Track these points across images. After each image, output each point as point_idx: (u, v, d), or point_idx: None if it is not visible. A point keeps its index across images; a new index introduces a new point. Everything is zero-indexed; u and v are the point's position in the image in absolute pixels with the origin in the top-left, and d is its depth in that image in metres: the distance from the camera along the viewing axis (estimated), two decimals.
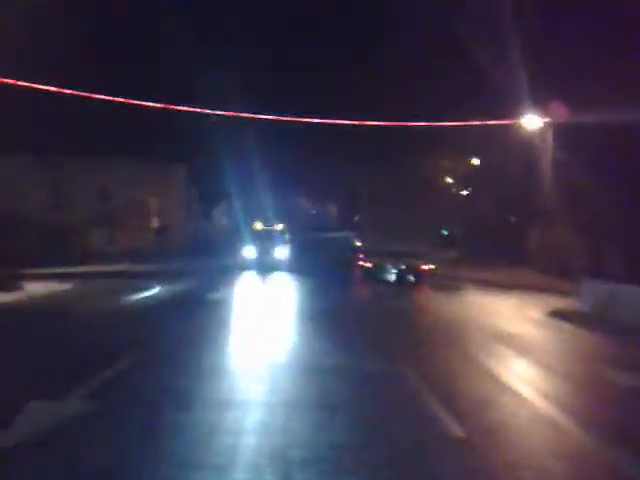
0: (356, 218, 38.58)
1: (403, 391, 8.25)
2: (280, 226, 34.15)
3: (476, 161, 41.49)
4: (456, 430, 6.53)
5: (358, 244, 28.79)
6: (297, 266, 30.91)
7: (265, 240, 31.41)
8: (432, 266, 24.74)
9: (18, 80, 20.81)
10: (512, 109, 27.12)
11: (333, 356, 10.22)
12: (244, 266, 30.20)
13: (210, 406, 7.31)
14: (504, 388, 8.59)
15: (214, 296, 19.59)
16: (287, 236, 33.45)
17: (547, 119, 27.40)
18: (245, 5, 65.44)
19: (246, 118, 25.58)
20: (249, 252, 31.07)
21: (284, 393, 8.02)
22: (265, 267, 29.65)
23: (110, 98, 22.65)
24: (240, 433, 6.31)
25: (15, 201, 43.41)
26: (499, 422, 6.99)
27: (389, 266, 25.12)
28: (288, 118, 26.90)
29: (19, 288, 19.75)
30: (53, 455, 5.61)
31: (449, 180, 42.35)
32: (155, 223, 46.64)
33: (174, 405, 7.22)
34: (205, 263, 35.64)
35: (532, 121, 27.47)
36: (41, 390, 7.66)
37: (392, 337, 13.08)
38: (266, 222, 35.41)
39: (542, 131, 28.09)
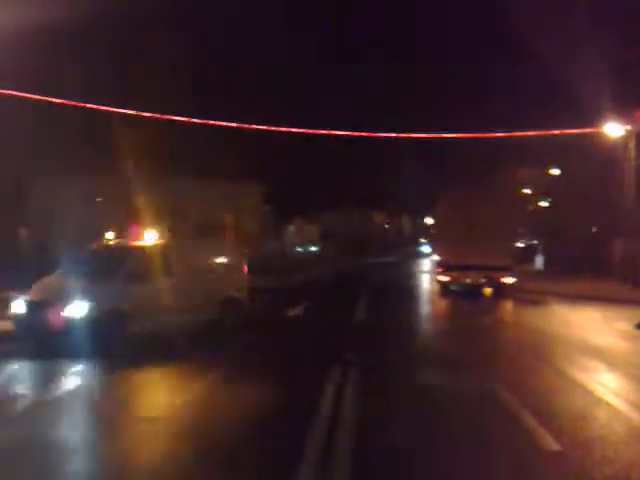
0: (432, 231, 38.46)
1: (496, 406, 8.29)
2: (155, 240, 15.37)
3: (555, 171, 40.66)
4: (552, 444, 6.56)
5: (435, 258, 28.56)
6: None
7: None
8: (513, 279, 24.34)
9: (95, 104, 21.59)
10: (593, 117, 26.59)
11: (423, 374, 10.35)
12: None
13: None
14: (597, 401, 8.51)
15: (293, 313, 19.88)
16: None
17: (629, 127, 26.74)
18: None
19: (320, 134, 25.74)
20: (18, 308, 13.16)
21: (378, 411, 8.15)
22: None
23: (185, 119, 23.23)
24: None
25: (99, 221, 45.03)
26: (594, 435, 6.96)
27: (469, 280, 24.77)
28: (363, 133, 27.04)
29: None
30: None
31: (527, 191, 41.68)
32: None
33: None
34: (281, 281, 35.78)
35: (614, 129, 26.84)
36: None
37: (479, 353, 13.10)
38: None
39: (624, 139, 27.42)
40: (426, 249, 77.09)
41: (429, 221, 74.33)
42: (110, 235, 17.75)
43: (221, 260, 16.99)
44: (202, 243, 17.93)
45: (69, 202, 44.28)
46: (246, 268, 17.69)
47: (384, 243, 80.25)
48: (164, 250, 15.08)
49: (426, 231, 78.26)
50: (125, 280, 13.56)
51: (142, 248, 15.05)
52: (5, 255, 25.56)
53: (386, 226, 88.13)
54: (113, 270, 13.84)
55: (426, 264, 55.35)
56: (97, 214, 45.54)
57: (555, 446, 6.51)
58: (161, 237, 15.59)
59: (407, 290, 30.70)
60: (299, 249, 66.33)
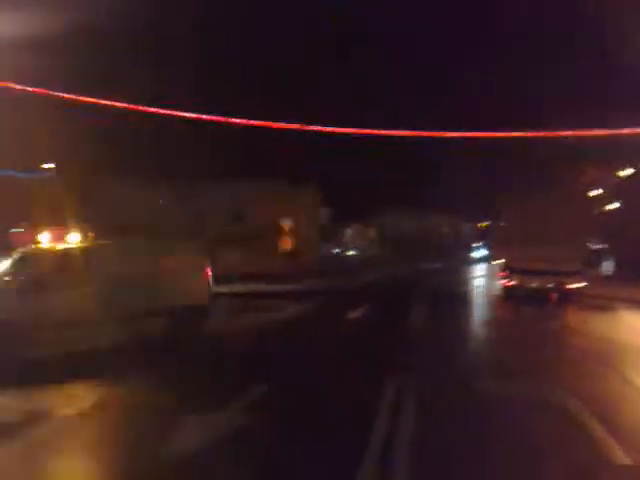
0: (496, 233, 37.60)
1: (562, 415, 7.95)
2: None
3: (626, 172, 39.30)
4: (622, 457, 6.16)
5: (500, 261, 27.80)
6: None
7: None
8: (581, 284, 23.47)
9: (158, 107, 21.80)
10: None
11: (491, 381, 10.06)
12: None
13: None
14: None
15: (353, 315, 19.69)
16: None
17: None
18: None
19: (376, 134, 25.28)
20: None
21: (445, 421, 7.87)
22: None
23: (245, 121, 23.20)
24: None
25: (159, 222, 45.87)
26: None
27: (535, 284, 24.01)
28: (422, 132, 26.41)
29: None
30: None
31: (596, 192, 40.36)
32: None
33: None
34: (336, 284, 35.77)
35: None
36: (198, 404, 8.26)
37: (547, 360, 12.66)
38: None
39: None
40: (481, 253, 75.69)
41: (486, 223, 73.23)
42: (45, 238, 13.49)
43: (177, 263, 14.72)
44: (146, 245, 15.22)
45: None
46: (209, 273, 15.71)
47: (442, 247, 78.86)
48: (81, 254, 13.11)
49: (483, 234, 77.01)
50: (21, 289, 11.77)
51: (52, 253, 13.03)
52: None
53: (445, 230, 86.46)
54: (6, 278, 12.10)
55: (484, 269, 54.40)
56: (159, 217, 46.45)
57: (626, 459, 6.10)
58: (84, 240, 13.33)
59: (469, 295, 30.15)
60: (337, 250, 65.80)
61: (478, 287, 36.58)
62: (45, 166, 33.81)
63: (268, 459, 6.52)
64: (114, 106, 20.89)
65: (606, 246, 40.54)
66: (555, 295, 24.07)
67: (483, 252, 75.13)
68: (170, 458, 6.42)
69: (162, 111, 21.93)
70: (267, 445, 6.90)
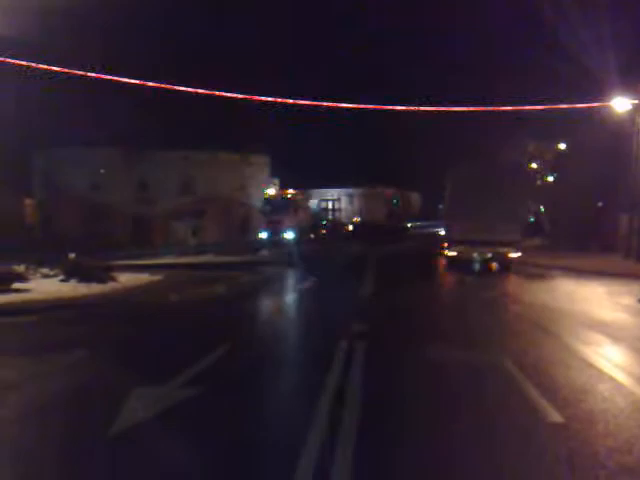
0: (440, 206, 38.40)
1: (501, 380, 8.42)
2: None
3: (563, 146, 40.49)
4: (555, 416, 6.68)
5: (443, 233, 28.53)
6: None
7: None
8: (519, 254, 24.38)
9: (101, 74, 21.42)
10: (601, 92, 26.41)
11: (427, 348, 10.40)
12: None
13: None
14: (600, 375, 8.61)
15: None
16: None
17: (637, 100, 26.60)
18: None
19: (327, 106, 25.53)
20: None
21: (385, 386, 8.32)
22: None
23: (193, 90, 23.06)
24: None
25: (103, 193, 45.27)
26: (598, 409, 7.07)
27: (475, 255, 24.79)
28: (369, 106, 26.83)
29: (113, 279, 20.48)
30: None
31: (535, 166, 41.56)
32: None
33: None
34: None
35: (621, 103, 26.70)
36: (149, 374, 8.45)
37: (484, 327, 13.20)
38: None
39: (632, 113, 27.27)
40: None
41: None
42: None
43: None
44: None
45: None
46: None
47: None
48: None
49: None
50: None
51: None
52: None
53: (394, 202, 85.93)
54: None
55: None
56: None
57: (558, 418, 6.64)
58: None
59: (412, 264, 30.88)
60: None
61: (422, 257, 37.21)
62: None
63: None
64: (51, 70, 20.43)
65: (544, 217, 41.87)
66: (494, 265, 25.02)
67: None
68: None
69: (104, 76, 21.53)
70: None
